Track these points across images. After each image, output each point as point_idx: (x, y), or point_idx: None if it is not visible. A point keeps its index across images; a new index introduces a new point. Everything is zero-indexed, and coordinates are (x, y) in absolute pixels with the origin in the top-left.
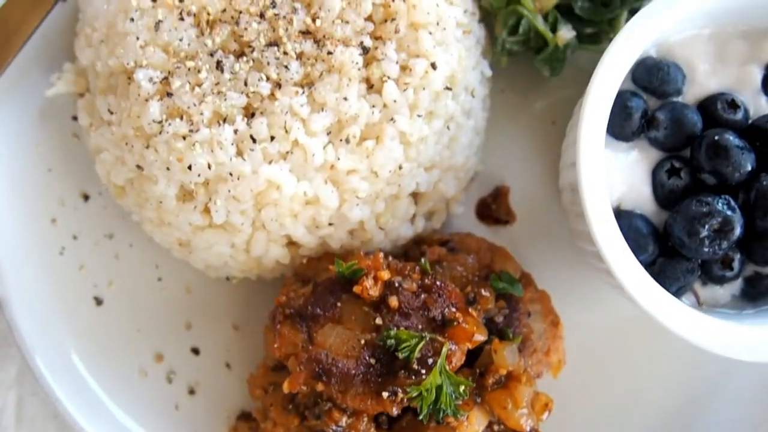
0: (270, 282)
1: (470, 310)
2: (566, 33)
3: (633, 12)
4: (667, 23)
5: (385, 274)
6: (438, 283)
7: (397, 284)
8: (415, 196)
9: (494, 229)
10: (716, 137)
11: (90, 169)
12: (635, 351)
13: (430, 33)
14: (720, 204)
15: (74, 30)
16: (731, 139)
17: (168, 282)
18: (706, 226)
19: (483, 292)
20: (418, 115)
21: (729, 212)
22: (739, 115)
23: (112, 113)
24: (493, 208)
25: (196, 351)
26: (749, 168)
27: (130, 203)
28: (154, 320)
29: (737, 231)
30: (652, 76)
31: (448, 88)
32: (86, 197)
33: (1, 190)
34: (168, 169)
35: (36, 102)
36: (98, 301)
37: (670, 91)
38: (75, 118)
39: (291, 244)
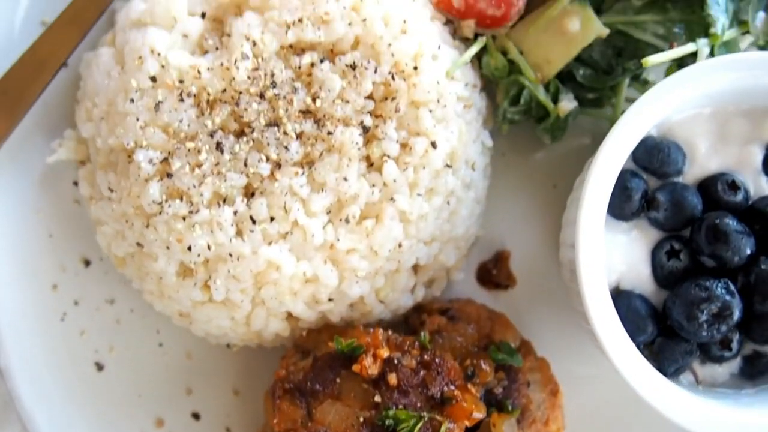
0: (270, 348)
1: (469, 385)
2: (568, 104)
3: (635, 78)
4: (670, 107)
5: (384, 352)
6: (437, 360)
7: (396, 361)
8: (415, 267)
9: (494, 294)
10: (716, 221)
11: (91, 234)
12: (635, 416)
13: (431, 111)
14: (719, 289)
15: (75, 96)
16: (731, 223)
17: (169, 347)
18: (705, 311)
19: (482, 365)
20: (418, 194)
21: (728, 297)
22: (740, 197)
23: (112, 191)
24: (494, 273)
25: (196, 416)
26: (748, 252)
27: (131, 274)
28: (154, 385)
29: (736, 316)
30: (653, 158)
31: (448, 166)
32: (87, 263)
33: (1, 256)
34: (168, 248)
35: (37, 167)
36: (99, 367)
37: (670, 172)
38: (76, 184)
39: (291, 317)
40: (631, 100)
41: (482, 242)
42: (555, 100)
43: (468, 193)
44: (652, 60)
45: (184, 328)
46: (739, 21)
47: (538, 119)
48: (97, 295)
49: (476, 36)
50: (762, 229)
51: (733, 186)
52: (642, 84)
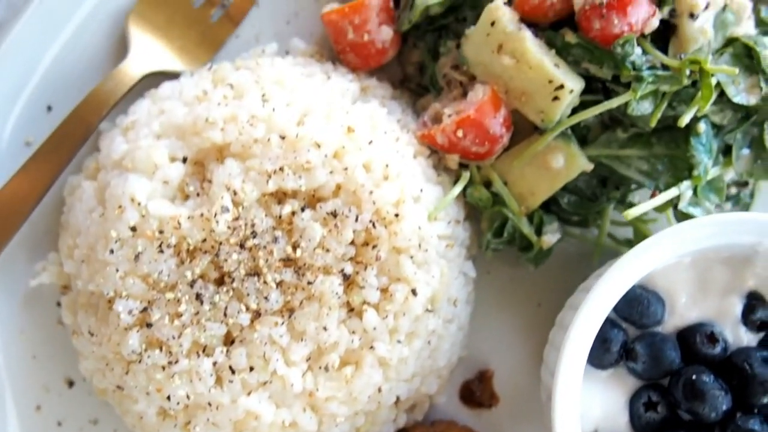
0: None
1: None
2: (551, 237)
3: (621, 201)
4: (651, 264)
5: None
6: None
7: None
8: (396, 399)
9: (477, 413)
10: (693, 378)
11: (75, 354)
12: None
13: (411, 257)
14: None
15: (59, 218)
16: (708, 381)
17: None
18: None
19: None
20: (398, 341)
21: None
22: (718, 349)
23: (92, 334)
24: (477, 393)
25: None
26: (725, 408)
27: (113, 403)
28: None
29: None
30: (633, 309)
31: (429, 310)
32: (71, 383)
33: None
34: (147, 393)
35: (20, 289)
36: None
37: (649, 323)
38: (59, 304)
39: None
40: (616, 223)
41: (465, 361)
42: (539, 231)
43: (450, 326)
44: (632, 213)
45: None
46: (724, 152)
47: (521, 248)
48: (81, 416)
49: (461, 165)
50: (739, 383)
51: (712, 338)
52: (627, 207)
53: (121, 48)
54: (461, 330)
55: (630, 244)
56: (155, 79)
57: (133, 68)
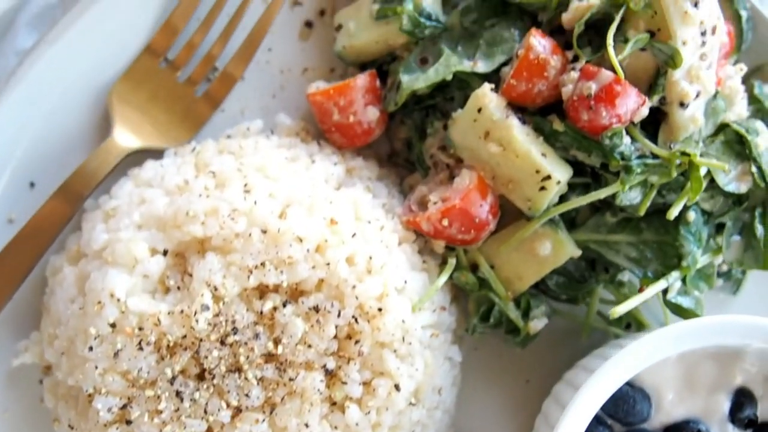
0: None
1: None
2: (538, 323)
3: (611, 280)
4: (638, 367)
5: None
6: None
7: None
8: None
9: None
10: None
11: None
12: None
13: (395, 351)
14: None
15: (42, 297)
16: None
17: None
18: None
19: None
20: None
21: None
22: None
23: (72, 428)
24: None
25: None
26: None
27: None
28: None
29: None
30: (619, 408)
31: (412, 404)
32: None
33: None
34: None
35: (3, 367)
36: None
37: (635, 421)
38: (42, 382)
39: None
40: (605, 301)
41: None
42: (526, 314)
43: (435, 413)
44: (618, 310)
45: None
46: (714, 235)
47: (508, 331)
48: None
49: (448, 248)
50: None
51: None
52: (617, 286)
53: (103, 124)
54: (447, 413)
55: (619, 322)
56: (140, 155)
57: (117, 146)
